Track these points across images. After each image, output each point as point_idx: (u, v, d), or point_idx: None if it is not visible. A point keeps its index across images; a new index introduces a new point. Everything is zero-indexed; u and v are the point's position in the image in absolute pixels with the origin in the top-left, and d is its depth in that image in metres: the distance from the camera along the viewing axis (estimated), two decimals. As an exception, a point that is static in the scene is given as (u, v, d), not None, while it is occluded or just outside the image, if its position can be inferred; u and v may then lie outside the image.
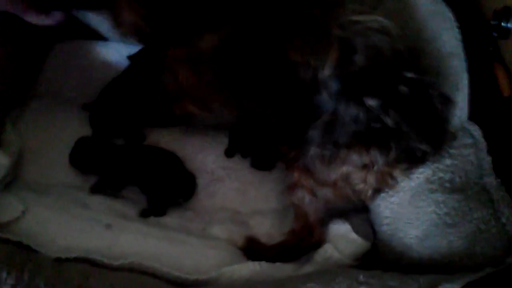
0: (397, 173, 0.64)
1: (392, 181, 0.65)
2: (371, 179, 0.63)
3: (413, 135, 0.59)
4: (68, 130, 0.81)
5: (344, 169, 0.63)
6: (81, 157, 0.76)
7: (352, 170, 0.63)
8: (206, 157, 0.81)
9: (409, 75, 0.59)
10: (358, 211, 0.72)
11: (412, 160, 0.63)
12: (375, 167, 0.61)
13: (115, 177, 0.75)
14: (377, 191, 0.67)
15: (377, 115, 0.58)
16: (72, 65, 0.87)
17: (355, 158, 0.61)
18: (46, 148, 0.78)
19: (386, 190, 0.67)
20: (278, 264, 0.67)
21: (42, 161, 0.77)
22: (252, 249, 0.70)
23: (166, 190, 0.74)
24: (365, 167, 0.62)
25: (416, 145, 0.60)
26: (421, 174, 0.65)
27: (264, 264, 0.67)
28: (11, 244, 0.64)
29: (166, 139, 0.82)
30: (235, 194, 0.78)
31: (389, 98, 0.58)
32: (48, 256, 0.64)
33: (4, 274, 0.56)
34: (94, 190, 0.74)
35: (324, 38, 0.59)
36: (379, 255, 0.70)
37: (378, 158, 0.60)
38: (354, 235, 0.69)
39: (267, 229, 0.74)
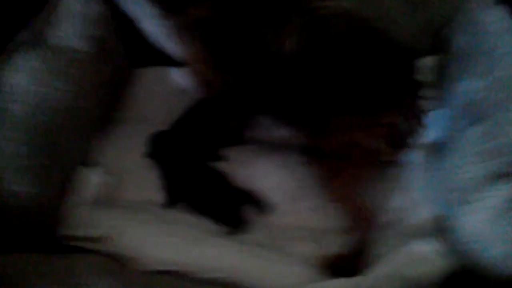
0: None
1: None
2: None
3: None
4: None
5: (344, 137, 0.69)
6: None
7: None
8: (281, 176, 0.83)
9: None
10: (437, 231, 0.72)
11: None
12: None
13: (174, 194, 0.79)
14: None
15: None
16: (153, 91, 0.93)
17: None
18: (132, 168, 0.82)
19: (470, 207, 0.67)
20: (365, 278, 0.68)
21: (129, 180, 0.81)
22: (337, 265, 0.71)
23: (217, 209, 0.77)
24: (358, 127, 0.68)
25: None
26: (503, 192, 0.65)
27: (352, 279, 0.67)
28: (104, 256, 0.68)
29: (241, 158, 0.85)
30: (313, 211, 0.79)
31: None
32: (138, 268, 0.68)
33: (97, 284, 0.60)
34: (166, 205, 0.78)
35: (286, 24, 0.66)
36: (462, 275, 0.69)
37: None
38: (434, 255, 0.69)
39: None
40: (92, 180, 0.76)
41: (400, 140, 0.68)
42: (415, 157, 0.75)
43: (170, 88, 0.92)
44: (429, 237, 0.71)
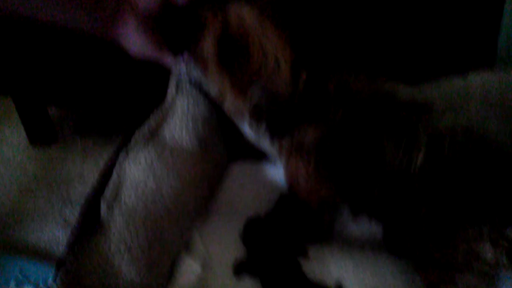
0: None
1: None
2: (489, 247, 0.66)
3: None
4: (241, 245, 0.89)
5: (466, 246, 0.67)
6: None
7: (473, 244, 0.67)
8: (367, 277, 0.83)
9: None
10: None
11: None
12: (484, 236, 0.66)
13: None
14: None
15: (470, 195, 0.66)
16: (245, 184, 0.99)
17: (470, 234, 0.67)
18: (225, 257, 0.86)
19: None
20: None
21: (222, 272, 0.84)
22: None
23: None
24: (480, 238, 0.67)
25: None
26: None
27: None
28: None
29: (326, 257, 0.87)
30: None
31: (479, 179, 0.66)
32: None
33: None
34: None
35: (413, 140, 0.67)
36: None
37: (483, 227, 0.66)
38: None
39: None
40: (191, 269, 0.80)
41: None
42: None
43: (262, 182, 0.98)
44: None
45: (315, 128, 0.71)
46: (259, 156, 1.02)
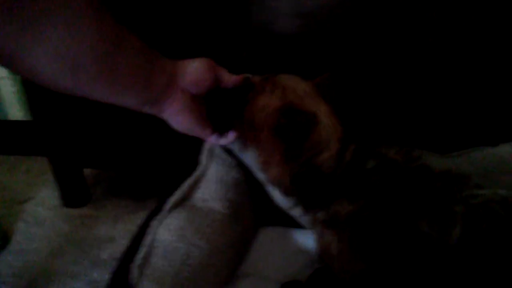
0: None
1: None
2: None
3: None
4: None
5: None
6: None
7: None
8: None
9: None
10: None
11: None
12: None
13: None
14: None
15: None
16: (273, 249, 0.98)
17: None
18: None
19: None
20: None
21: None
22: None
23: None
24: None
25: None
26: None
27: None
28: None
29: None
30: None
31: None
32: None
33: None
34: None
35: (448, 213, 0.66)
36: None
37: None
38: None
39: None
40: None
41: None
42: None
43: (291, 248, 0.97)
44: None
45: (351, 202, 0.72)
46: (289, 222, 1.01)
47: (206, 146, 0.96)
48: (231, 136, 0.80)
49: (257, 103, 0.75)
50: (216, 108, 0.76)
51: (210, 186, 0.89)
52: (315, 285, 0.89)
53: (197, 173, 0.90)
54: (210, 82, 0.72)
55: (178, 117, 0.72)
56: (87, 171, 1.32)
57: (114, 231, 1.16)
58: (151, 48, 0.66)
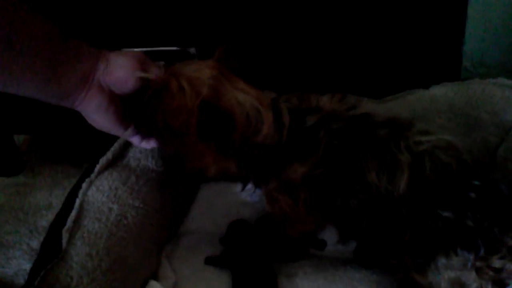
0: (496, 263, 0.64)
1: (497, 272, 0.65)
2: (474, 276, 0.65)
3: (495, 227, 0.63)
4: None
5: (451, 274, 0.65)
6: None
7: (459, 273, 0.65)
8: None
9: (477, 182, 0.65)
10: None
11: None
12: (469, 264, 0.64)
13: None
14: (496, 284, 0.66)
15: (455, 221, 0.64)
16: (215, 204, 0.98)
17: (455, 262, 0.64)
18: (197, 281, 0.84)
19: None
20: None
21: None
22: None
23: None
24: (465, 266, 0.65)
25: (503, 236, 0.63)
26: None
27: None
28: None
29: (299, 272, 0.85)
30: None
31: (462, 205, 0.64)
32: None
33: None
34: None
35: (395, 162, 0.66)
36: None
37: (466, 255, 0.64)
38: None
39: None
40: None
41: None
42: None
43: (233, 202, 0.97)
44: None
45: (302, 163, 0.70)
46: (230, 178, 1.01)
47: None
48: (153, 141, 0.72)
49: (169, 107, 0.63)
50: (138, 111, 0.67)
51: (143, 144, 0.86)
52: (263, 226, 0.89)
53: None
54: (135, 82, 0.63)
55: (92, 115, 0.64)
56: (20, 139, 1.26)
57: (51, 197, 1.12)
58: (67, 34, 0.57)
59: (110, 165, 0.82)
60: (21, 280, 0.95)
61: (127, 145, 0.85)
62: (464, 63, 1.12)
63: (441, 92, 0.94)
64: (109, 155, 0.82)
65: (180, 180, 0.91)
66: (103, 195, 0.78)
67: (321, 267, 0.85)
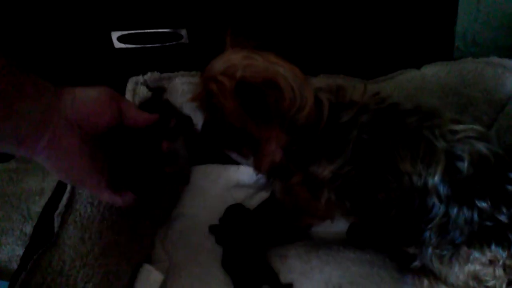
0: None
1: None
2: (500, 273, 0.64)
3: None
4: (205, 248, 0.87)
5: (471, 267, 0.65)
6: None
7: (479, 268, 0.65)
8: (332, 271, 0.83)
9: None
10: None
11: None
12: (500, 261, 0.63)
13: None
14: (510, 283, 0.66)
15: (490, 214, 0.62)
16: (207, 187, 0.98)
17: (478, 256, 0.64)
18: (190, 264, 0.85)
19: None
20: None
21: (186, 276, 0.82)
22: None
23: None
24: (490, 263, 0.64)
25: None
26: None
27: None
28: None
29: (291, 253, 0.86)
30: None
31: (499, 197, 0.63)
32: None
33: None
34: None
35: (430, 150, 0.64)
36: None
37: (500, 252, 0.63)
38: None
39: None
40: (153, 277, 0.78)
41: None
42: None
43: (226, 184, 0.97)
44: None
45: (330, 163, 0.68)
46: (224, 160, 1.00)
47: (129, 87, 0.92)
48: (129, 197, 0.64)
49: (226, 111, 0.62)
50: (119, 156, 0.61)
51: (134, 127, 0.85)
52: (263, 213, 0.89)
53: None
54: (111, 118, 0.57)
55: (58, 162, 0.55)
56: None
57: (44, 183, 1.11)
58: (23, 70, 0.50)
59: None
60: (15, 266, 0.94)
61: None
62: (456, 42, 1.11)
63: (433, 71, 0.94)
64: (100, 139, 0.81)
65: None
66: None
67: (314, 247, 0.85)
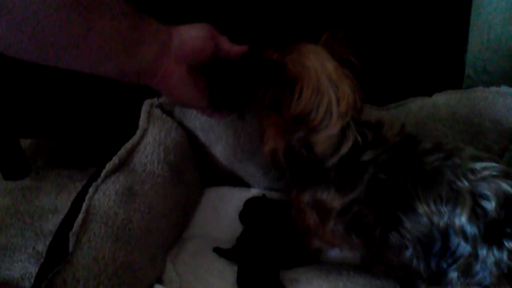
0: None
1: None
2: None
3: None
4: (216, 269, 0.88)
5: None
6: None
7: None
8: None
9: None
10: None
11: None
12: None
13: None
14: None
15: None
16: (219, 209, 0.99)
17: None
18: (200, 286, 0.85)
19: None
20: None
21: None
22: None
23: None
24: None
25: None
26: None
27: None
28: None
29: (302, 278, 0.86)
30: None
31: None
32: None
33: None
34: None
35: (453, 191, 0.63)
36: None
37: None
38: None
39: None
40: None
41: None
42: None
43: (236, 206, 0.97)
44: None
45: (341, 194, 0.68)
46: (234, 182, 1.02)
47: (145, 109, 0.93)
48: (225, 113, 0.77)
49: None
50: (216, 82, 0.71)
51: (149, 149, 0.87)
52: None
53: (135, 137, 0.87)
54: (210, 52, 0.66)
55: (171, 90, 0.67)
56: (26, 143, 1.27)
57: (57, 201, 1.13)
58: (140, 12, 0.58)
59: (116, 169, 0.82)
60: (27, 284, 0.96)
61: (133, 150, 0.86)
62: (467, 70, 1.12)
63: (443, 99, 0.95)
64: (115, 159, 0.83)
65: (185, 184, 0.92)
66: (109, 200, 0.78)
67: (324, 272, 0.85)
